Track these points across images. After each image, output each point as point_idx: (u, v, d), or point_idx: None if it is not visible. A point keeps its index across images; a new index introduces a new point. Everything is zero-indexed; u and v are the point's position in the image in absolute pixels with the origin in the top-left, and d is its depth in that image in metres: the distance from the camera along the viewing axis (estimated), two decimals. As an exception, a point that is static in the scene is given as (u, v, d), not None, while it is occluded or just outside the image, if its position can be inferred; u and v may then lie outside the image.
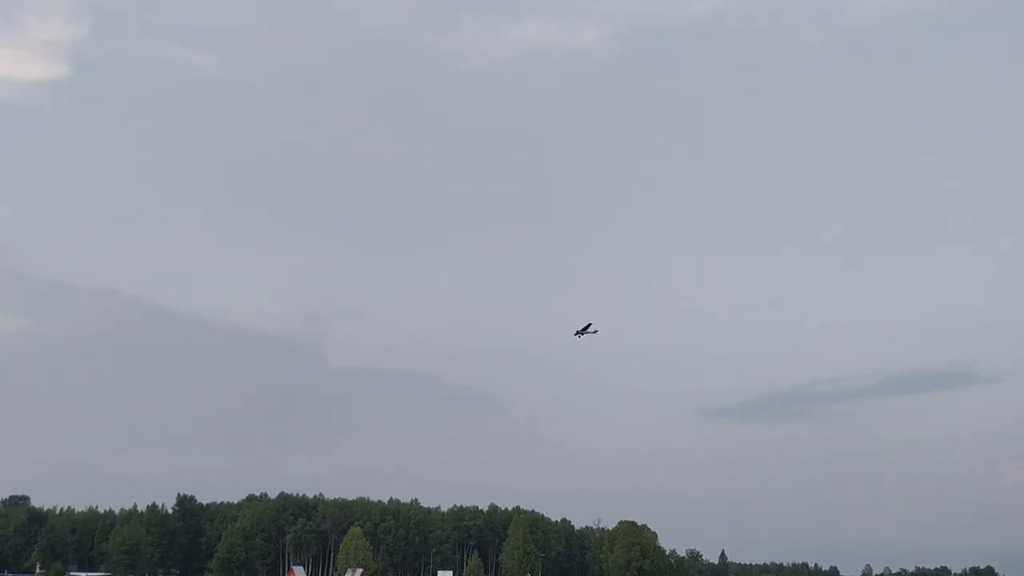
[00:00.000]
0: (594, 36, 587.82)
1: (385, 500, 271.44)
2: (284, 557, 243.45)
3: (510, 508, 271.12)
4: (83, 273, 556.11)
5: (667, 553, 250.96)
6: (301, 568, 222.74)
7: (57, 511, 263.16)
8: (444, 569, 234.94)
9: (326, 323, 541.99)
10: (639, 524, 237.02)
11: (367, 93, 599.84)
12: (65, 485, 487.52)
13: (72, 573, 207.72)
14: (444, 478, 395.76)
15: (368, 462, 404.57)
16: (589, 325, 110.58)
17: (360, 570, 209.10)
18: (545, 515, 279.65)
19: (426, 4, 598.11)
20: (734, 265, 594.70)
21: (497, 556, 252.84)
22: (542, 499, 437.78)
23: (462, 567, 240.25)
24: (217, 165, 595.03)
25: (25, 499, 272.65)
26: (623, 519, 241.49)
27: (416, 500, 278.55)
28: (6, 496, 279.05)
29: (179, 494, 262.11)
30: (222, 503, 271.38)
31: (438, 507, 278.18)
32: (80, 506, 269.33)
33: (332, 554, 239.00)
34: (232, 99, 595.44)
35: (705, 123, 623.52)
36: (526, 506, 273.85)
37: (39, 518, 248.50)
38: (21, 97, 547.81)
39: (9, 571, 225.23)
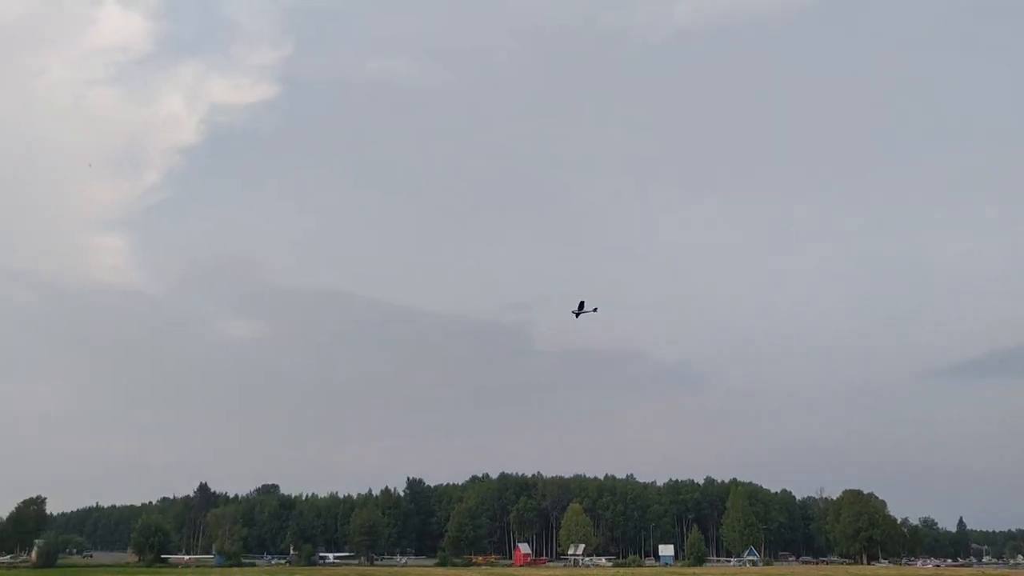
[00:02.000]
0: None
1: (601, 476, 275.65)
2: (509, 535, 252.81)
3: (727, 480, 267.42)
4: (311, 277, 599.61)
5: (898, 522, 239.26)
6: (526, 544, 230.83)
7: (303, 498, 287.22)
8: (665, 543, 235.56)
9: (531, 308, 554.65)
10: (865, 493, 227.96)
11: (556, 83, 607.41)
12: (308, 474, 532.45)
13: (321, 553, 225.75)
14: (657, 453, 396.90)
15: (581, 440, 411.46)
16: (583, 303, 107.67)
17: (583, 546, 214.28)
18: (764, 486, 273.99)
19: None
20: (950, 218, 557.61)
21: (717, 529, 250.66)
22: (759, 470, 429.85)
23: (682, 541, 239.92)
24: (420, 165, 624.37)
25: (275, 488, 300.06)
26: (847, 488, 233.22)
27: (631, 476, 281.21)
28: (259, 486, 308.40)
29: (408, 478, 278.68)
30: (448, 484, 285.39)
31: (653, 482, 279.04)
32: (322, 492, 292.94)
33: (554, 531, 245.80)
34: (428, 101, 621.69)
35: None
36: (743, 478, 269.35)
37: (288, 504, 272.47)
38: (242, 120, 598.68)
39: (268, 552, 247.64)
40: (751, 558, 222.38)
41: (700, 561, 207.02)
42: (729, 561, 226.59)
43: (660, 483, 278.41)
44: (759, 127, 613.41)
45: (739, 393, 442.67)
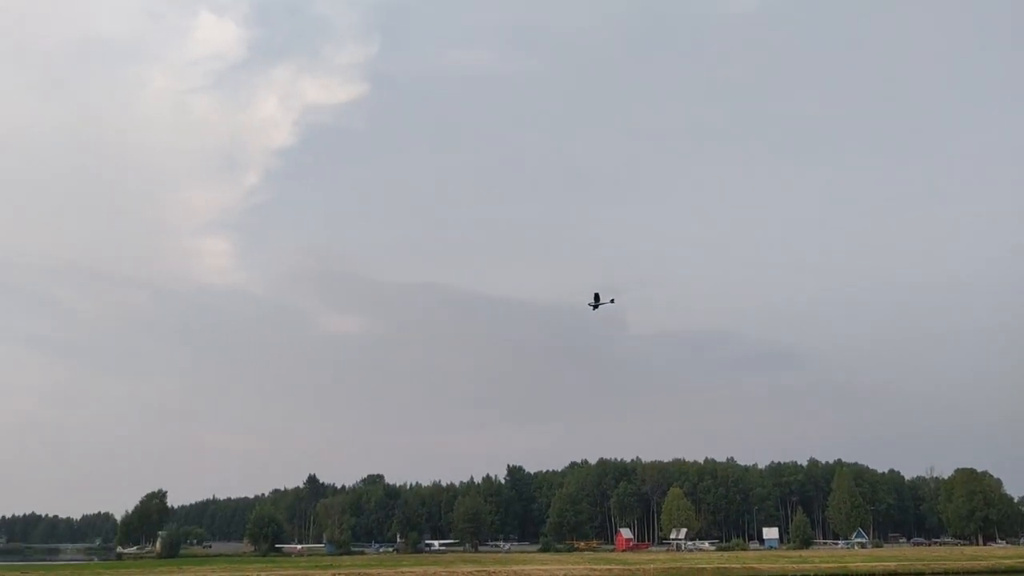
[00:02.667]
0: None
1: (700, 460, 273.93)
2: (610, 520, 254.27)
3: (831, 462, 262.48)
4: (407, 271, 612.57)
5: (1015, 500, 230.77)
6: (627, 529, 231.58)
7: (407, 487, 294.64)
8: (768, 526, 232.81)
9: (624, 291, 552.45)
10: (979, 471, 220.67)
11: (639, 59, 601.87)
12: (411, 463, 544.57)
13: (427, 541, 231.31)
14: (757, 435, 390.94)
15: (679, 424, 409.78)
16: (598, 295, 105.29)
17: (685, 530, 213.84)
18: (870, 467, 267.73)
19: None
20: None
21: (823, 511, 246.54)
22: (864, 451, 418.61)
23: (786, 524, 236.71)
24: (507, 153, 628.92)
25: (380, 477, 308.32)
26: (959, 467, 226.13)
27: (732, 458, 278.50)
28: (364, 476, 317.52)
29: (508, 465, 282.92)
30: (548, 471, 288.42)
31: (754, 464, 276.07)
32: (425, 481, 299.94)
33: (655, 515, 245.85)
34: (514, 89, 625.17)
35: None
36: (848, 459, 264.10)
37: (394, 493, 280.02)
38: (334, 119, 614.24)
39: (376, 541, 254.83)
40: (859, 540, 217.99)
41: (807, 544, 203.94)
42: (836, 543, 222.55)
43: (762, 465, 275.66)
44: (867, 96, 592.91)
45: (842, 372, 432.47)
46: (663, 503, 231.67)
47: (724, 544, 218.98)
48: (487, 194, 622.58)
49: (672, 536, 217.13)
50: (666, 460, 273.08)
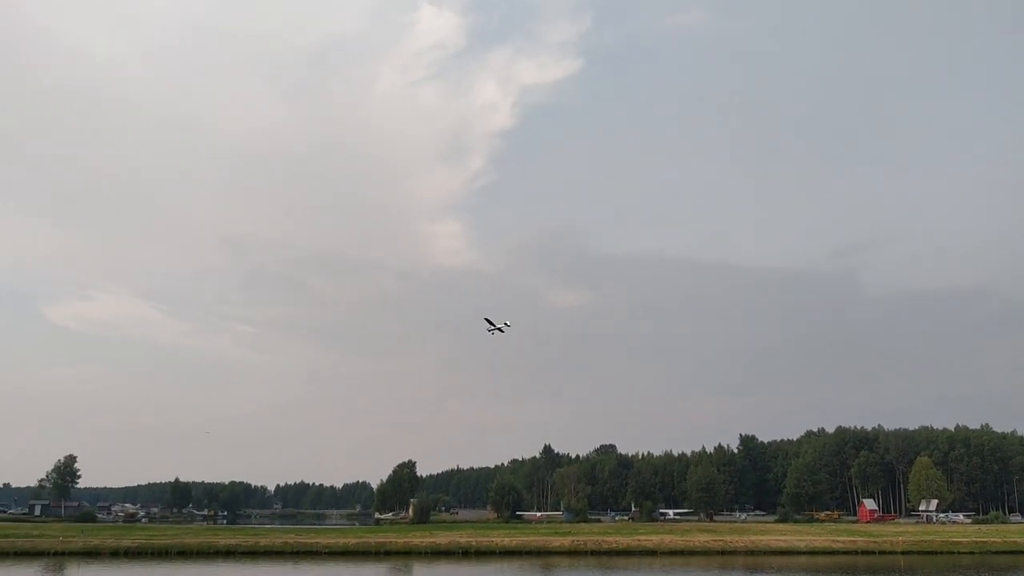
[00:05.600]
0: None
1: (951, 427, 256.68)
2: (852, 490, 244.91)
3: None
4: (629, 242, 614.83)
5: None
6: (871, 500, 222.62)
7: (640, 456, 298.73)
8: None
9: (857, 252, 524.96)
10: None
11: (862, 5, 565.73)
12: (642, 433, 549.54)
13: (661, 510, 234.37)
14: (1013, 400, 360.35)
15: (923, 388, 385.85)
16: (490, 320, 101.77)
17: (935, 501, 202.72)
18: None
19: None
20: None
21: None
22: None
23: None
24: (725, 116, 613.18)
25: (612, 447, 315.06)
26: None
27: (986, 425, 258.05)
28: (597, 446, 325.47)
29: (741, 435, 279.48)
30: (782, 440, 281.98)
31: (1013, 431, 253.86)
32: (657, 450, 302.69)
33: (901, 485, 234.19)
34: (730, 49, 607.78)
35: None
36: None
37: (626, 463, 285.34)
38: (550, 98, 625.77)
39: (610, 509, 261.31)
40: None
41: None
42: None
43: (1021, 432, 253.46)
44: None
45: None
46: (909, 473, 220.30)
47: (981, 517, 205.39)
48: (707, 158, 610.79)
49: (921, 508, 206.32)
50: (911, 428, 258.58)
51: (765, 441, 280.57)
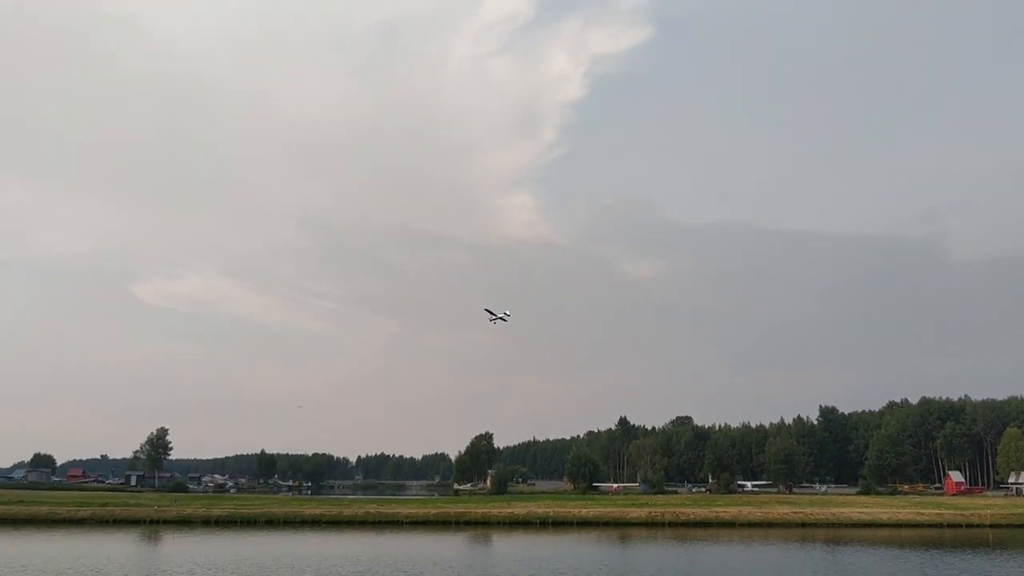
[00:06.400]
0: None
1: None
2: (937, 462, 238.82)
3: None
4: (703, 212, 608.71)
5: None
6: (957, 472, 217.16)
7: (716, 428, 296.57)
8: None
9: (944, 217, 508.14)
10: None
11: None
12: (719, 405, 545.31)
13: (739, 482, 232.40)
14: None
15: (1013, 358, 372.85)
16: (489, 311, 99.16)
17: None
18: None
19: None
20: None
21: None
22: None
23: None
24: (798, 75, 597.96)
25: (688, 419, 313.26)
26: None
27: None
28: (673, 417, 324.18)
29: (821, 406, 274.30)
30: (864, 411, 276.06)
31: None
32: (734, 422, 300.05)
33: (989, 457, 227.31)
34: (802, 14, 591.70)
35: None
36: None
37: (703, 435, 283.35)
38: (621, 67, 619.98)
39: (687, 480, 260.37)
40: None
41: None
42: None
43: None
44: None
45: None
46: (998, 445, 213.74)
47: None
48: (781, 124, 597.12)
49: (1010, 480, 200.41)
50: (1000, 398, 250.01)
51: (846, 412, 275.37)
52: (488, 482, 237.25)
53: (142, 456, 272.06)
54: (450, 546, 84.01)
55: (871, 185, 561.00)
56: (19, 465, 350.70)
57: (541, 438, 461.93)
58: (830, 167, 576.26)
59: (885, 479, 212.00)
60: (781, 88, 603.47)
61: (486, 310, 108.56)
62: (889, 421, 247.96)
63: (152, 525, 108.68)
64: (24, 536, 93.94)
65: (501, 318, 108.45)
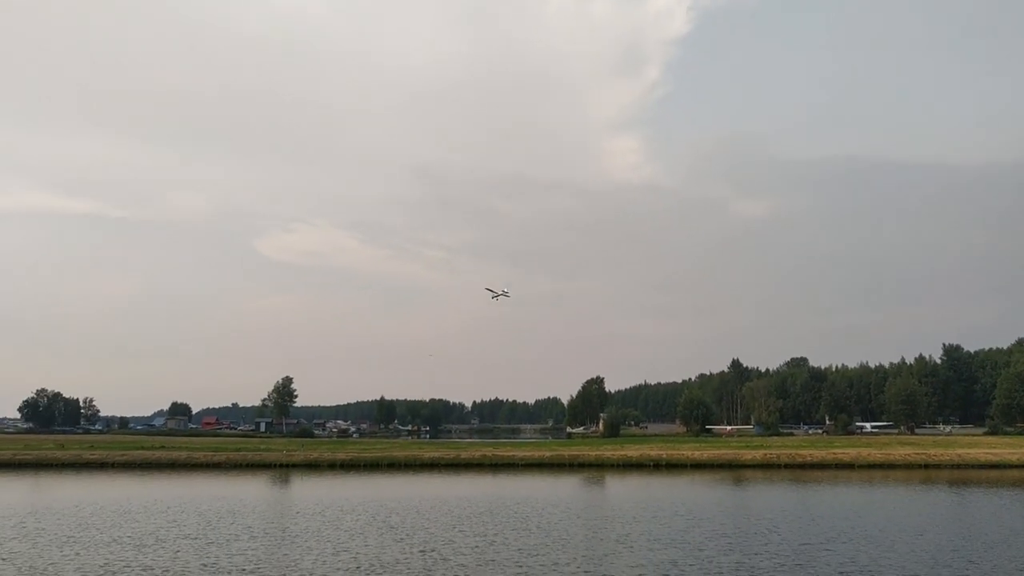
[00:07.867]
0: None
1: None
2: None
3: None
4: (817, 148, 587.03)
5: None
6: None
7: (833, 369, 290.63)
8: None
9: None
10: None
11: None
12: (835, 346, 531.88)
13: (858, 423, 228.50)
14: None
15: None
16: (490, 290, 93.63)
17: None
18: None
19: None
20: None
21: None
22: None
23: None
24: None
25: (804, 360, 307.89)
26: None
27: None
28: (788, 359, 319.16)
29: (944, 344, 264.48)
30: (991, 349, 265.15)
31: None
32: (851, 363, 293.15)
33: None
34: None
35: None
36: None
37: (819, 376, 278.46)
38: (726, 0, 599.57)
39: (803, 422, 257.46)
40: None
41: None
42: None
43: None
44: None
45: None
46: None
47: None
48: (901, 48, 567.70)
49: None
50: None
51: (971, 350, 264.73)
52: (600, 425, 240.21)
53: (270, 404, 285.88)
54: (566, 488, 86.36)
55: (1007, 113, 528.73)
56: (159, 413, 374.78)
57: (652, 381, 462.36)
58: (961, 92, 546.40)
59: (1014, 419, 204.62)
60: (907, 7, 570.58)
61: (487, 288, 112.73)
62: (1018, 359, 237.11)
63: (282, 468, 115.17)
64: (167, 479, 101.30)
65: (502, 294, 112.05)
